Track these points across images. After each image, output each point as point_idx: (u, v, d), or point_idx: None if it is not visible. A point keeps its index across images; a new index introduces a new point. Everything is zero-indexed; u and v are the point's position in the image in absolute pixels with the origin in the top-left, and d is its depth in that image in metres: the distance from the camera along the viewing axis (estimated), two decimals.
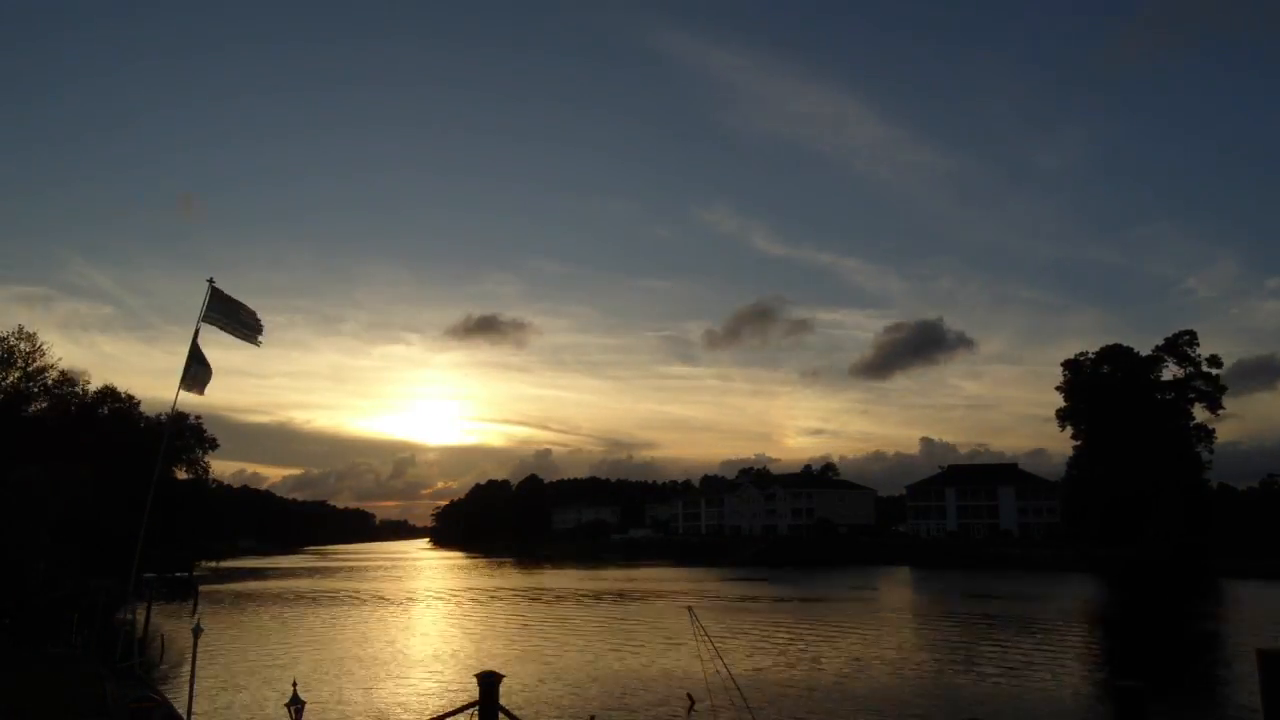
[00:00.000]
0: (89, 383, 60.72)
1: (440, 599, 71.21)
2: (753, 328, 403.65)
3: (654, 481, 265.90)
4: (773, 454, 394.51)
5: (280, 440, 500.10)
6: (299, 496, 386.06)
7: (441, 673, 31.69)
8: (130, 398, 66.32)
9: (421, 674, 31.63)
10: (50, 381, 53.74)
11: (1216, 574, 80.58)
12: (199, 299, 17.73)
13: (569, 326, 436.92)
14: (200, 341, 18.02)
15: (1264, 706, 7.83)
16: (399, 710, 24.99)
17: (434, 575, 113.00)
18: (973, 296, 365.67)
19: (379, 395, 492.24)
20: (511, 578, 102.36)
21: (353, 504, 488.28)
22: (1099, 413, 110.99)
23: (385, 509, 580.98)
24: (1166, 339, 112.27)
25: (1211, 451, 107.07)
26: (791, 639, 40.89)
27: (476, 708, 10.96)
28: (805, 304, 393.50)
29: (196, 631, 15.62)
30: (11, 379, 50.79)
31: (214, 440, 77.06)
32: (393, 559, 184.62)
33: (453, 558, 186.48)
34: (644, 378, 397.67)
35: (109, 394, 64.09)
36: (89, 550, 40.11)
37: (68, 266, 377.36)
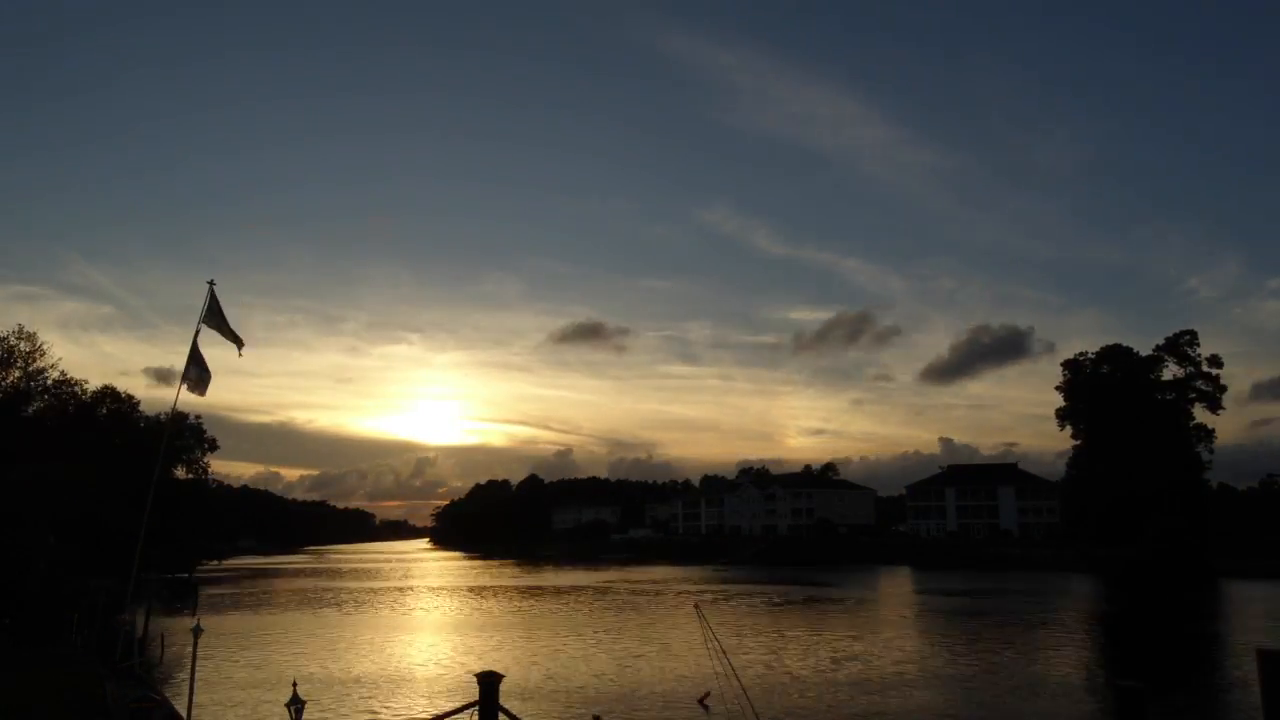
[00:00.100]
0: (87, 383, 60.76)
1: (440, 599, 71.20)
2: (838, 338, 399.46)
3: (654, 481, 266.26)
4: (775, 454, 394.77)
5: (284, 440, 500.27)
6: (315, 497, 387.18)
7: (441, 672, 31.68)
8: (130, 398, 66.41)
9: (421, 674, 31.63)
10: (50, 381, 53.78)
11: (1216, 574, 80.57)
12: (199, 299, 17.84)
13: (570, 326, 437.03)
14: (200, 342, 18.12)
15: (1264, 706, 7.83)
16: (399, 710, 24.97)
17: (434, 575, 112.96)
18: (974, 297, 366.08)
19: (382, 395, 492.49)
20: (511, 578, 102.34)
21: (365, 504, 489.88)
22: (1099, 413, 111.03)
23: (389, 509, 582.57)
24: (1167, 339, 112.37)
25: (1211, 451, 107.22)
26: (791, 639, 40.88)
27: (476, 707, 10.97)
28: (806, 304, 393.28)
29: (196, 631, 15.63)
30: (11, 379, 50.79)
31: (214, 441, 77.31)
32: (392, 559, 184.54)
33: (453, 558, 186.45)
34: (645, 377, 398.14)
35: (109, 394, 64.14)
36: (89, 550, 40.12)
37: (68, 266, 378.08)
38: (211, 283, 18.14)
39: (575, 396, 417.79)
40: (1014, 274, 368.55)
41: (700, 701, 24.82)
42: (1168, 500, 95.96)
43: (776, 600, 64.36)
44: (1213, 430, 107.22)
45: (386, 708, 25.38)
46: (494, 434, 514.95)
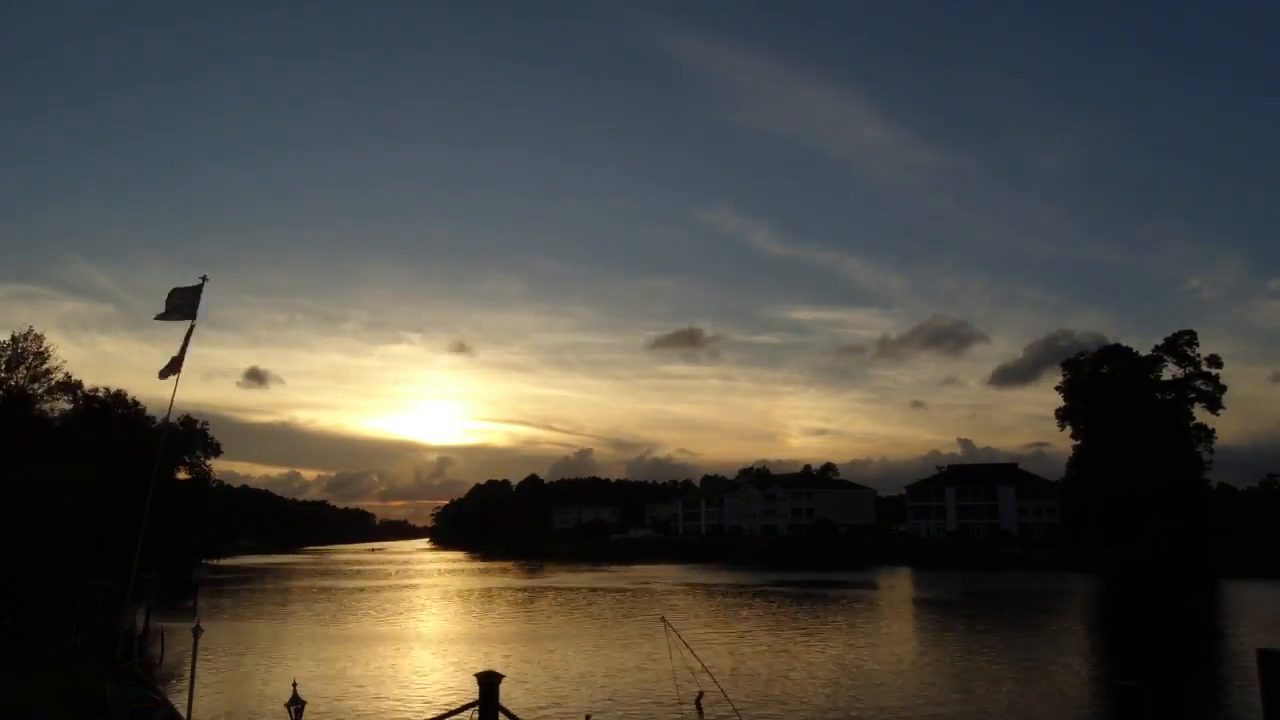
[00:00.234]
0: (97, 390, 60.89)
1: (440, 599, 71.21)
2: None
3: (654, 481, 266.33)
4: (777, 454, 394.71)
5: (285, 440, 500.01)
6: (331, 497, 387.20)
7: (441, 672, 31.70)
8: (133, 400, 66.54)
9: (421, 673, 31.64)
10: (55, 382, 53.86)
11: (1216, 574, 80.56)
12: (199, 299, 17.87)
13: (571, 326, 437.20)
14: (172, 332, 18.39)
15: (1264, 706, 7.84)
16: (399, 710, 24.99)
17: (433, 575, 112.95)
18: (975, 296, 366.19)
19: (383, 395, 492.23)
20: (511, 577, 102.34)
21: (375, 504, 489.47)
22: (1099, 413, 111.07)
23: (393, 509, 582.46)
24: (1166, 339, 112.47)
25: (1211, 451, 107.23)
26: (790, 640, 40.86)
27: (476, 707, 10.97)
28: (806, 304, 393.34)
29: (196, 631, 15.66)
30: (17, 379, 50.85)
31: (217, 445, 77.51)
32: (392, 559, 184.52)
33: (453, 558, 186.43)
34: (646, 377, 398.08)
35: (110, 395, 64.21)
36: (89, 550, 40.15)
37: (68, 266, 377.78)
38: (204, 278, 18.30)
39: (577, 396, 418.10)
40: (1014, 274, 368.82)
41: (695, 702, 24.81)
42: (1168, 500, 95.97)
43: (775, 600, 64.35)
44: (1213, 430, 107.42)
45: (386, 707, 25.39)
46: (496, 434, 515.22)
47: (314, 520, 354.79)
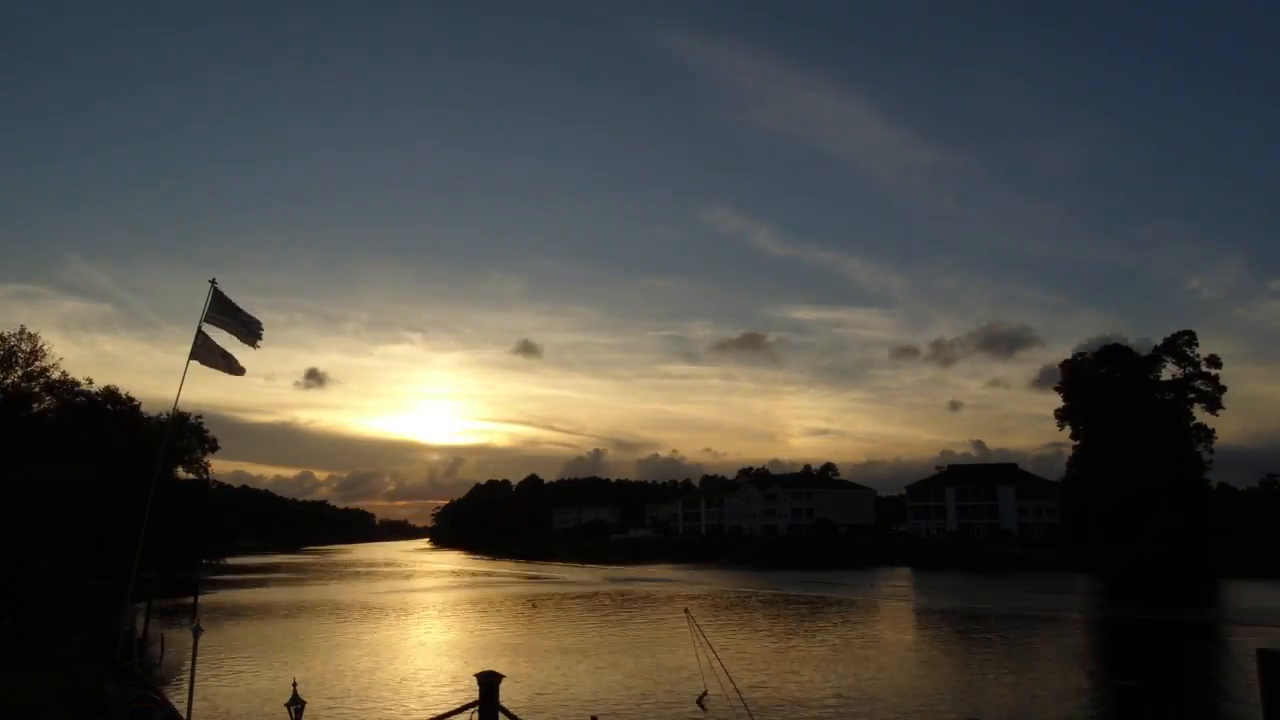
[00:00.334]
0: (90, 382, 60.77)
1: (440, 599, 71.20)
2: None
3: (654, 481, 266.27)
4: (777, 454, 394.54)
5: (285, 440, 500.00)
6: (340, 498, 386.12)
7: (441, 672, 31.71)
8: (130, 399, 66.46)
9: (421, 674, 31.64)
10: (51, 381, 53.75)
11: (1216, 574, 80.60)
12: (199, 299, 17.75)
13: (571, 326, 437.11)
14: (210, 337, 18.13)
15: (1264, 706, 7.82)
16: (399, 710, 25.00)
17: (433, 575, 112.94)
18: (974, 296, 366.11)
19: (384, 395, 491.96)
20: (511, 578, 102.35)
21: (384, 504, 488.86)
22: (1099, 413, 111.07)
23: (395, 510, 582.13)
24: (1165, 339, 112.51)
25: (1211, 451, 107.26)
26: (790, 640, 40.88)
27: (476, 707, 10.96)
28: (807, 304, 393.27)
29: (196, 632, 15.66)
30: (12, 379, 50.77)
31: (214, 441, 77.53)
32: (392, 559, 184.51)
33: (453, 558, 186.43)
34: (647, 376, 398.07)
35: (110, 395, 64.13)
36: (89, 550, 40.14)
37: (68, 266, 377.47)
38: (214, 282, 17.98)
39: (578, 396, 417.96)
40: (1014, 274, 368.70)
41: (698, 701, 24.84)
42: (1168, 500, 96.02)
43: (774, 600, 64.36)
44: (1213, 430, 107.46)
45: (386, 707, 25.39)
46: (497, 434, 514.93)
47: (315, 520, 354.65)
